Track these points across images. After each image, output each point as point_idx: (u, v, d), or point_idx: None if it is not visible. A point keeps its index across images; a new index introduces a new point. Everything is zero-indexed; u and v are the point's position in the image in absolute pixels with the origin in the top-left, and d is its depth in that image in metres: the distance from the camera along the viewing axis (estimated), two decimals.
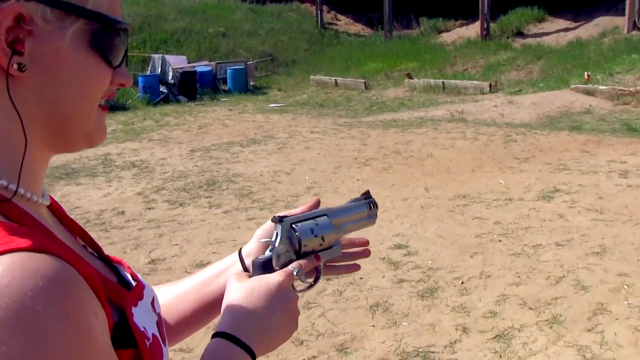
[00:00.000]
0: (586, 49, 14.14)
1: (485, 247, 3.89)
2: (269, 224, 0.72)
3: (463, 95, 12.65)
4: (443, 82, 13.54)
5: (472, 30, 17.96)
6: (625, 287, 3.07)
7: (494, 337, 2.67)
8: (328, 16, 21.69)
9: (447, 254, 3.79)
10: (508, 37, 16.98)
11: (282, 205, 5.08)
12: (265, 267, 0.65)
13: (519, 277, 3.32)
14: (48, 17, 0.45)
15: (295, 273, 0.65)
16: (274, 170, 6.45)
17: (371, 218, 0.81)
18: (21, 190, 0.46)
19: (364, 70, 16.13)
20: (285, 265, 0.66)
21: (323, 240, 0.71)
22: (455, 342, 2.67)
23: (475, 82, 13.41)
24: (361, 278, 3.40)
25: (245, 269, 0.69)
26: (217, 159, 7.14)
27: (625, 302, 2.89)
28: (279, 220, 0.68)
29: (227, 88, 14.65)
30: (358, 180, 5.90)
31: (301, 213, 0.72)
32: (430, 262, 3.66)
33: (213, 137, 8.82)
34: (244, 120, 10.37)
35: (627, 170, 5.56)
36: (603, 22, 15.40)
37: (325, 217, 0.74)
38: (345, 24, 22.02)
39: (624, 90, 10.69)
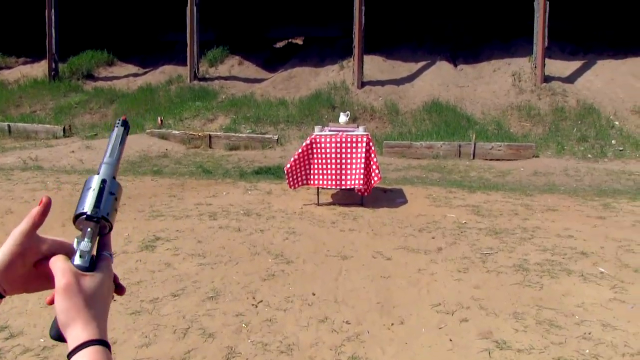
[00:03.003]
0: (156, 94, 15.39)
1: None
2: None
3: (34, 140, 11.84)
4: (9, 125, 12.56)
5: (39, 69, 17.08)
6: (244, 326, 3.44)
7: None
8: None
9: None
10: (79, 79, 16.85)
11: None
12: (89, 269, 0.70)
13: (146, 337, 3.25)
14: None
15: (112, 260, 0.76)
16: None
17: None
18: None
19: None
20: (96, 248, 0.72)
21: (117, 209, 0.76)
22: None
23: (47, 125, 12.72)
24: None
25: None
26: None
27: (249, 341, 3.24)
28: (96, 219, 0.70)
29: None
30: None
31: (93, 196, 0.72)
32: (42, 340, 3.17)
33: None
34: None
35: (215, 212, 6.28)
36: (168, 70, 17.12)
37: (113, 179, 0.76)
38: None
39: (194, 134, 12.11)
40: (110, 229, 0.73)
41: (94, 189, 0.72)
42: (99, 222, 0.70)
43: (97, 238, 0.71)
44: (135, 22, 18.73)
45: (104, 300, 0.71)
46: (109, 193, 0.73)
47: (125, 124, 0.83)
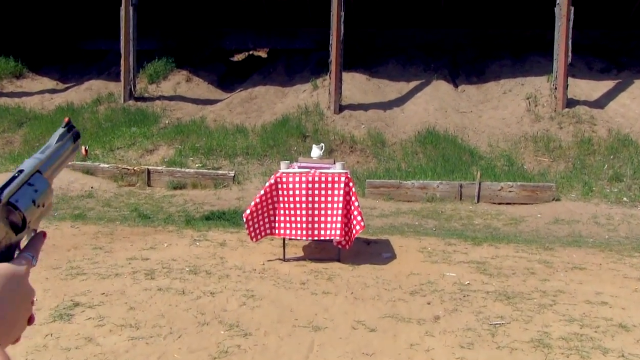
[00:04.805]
0: (80, 116, 15.32)
1: None
2: None
3: None
4: None
5: None
6: None
7: None
8: None
9: None
10: None
11: None
12: None
13: None
14: None
15: (33, 262, 0.81)
16: None
17: (75, 151, 0.99)
18: None
19: None
20: (9, 250, 0.78)
21: (43, 206, 0.84)
22: None
23: None
24: None
25: None
26: None
27: None
28: None
29: None
30: None
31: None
32: None
33: None
34: None
35: (153, 269, 6.21)
36: (96, 86, 17.11)
37: (38, 174, 0.85)
38: None
39: (128, 168, 12.05)
40: (24, 222, 0.79)
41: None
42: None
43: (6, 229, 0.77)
44: (54, 24, 18.72)
45: (4, 302, 0.73)
46: (25, 183, 0.81)
47: (70, 128, 0.97)
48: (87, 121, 15.17)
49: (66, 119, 0.98)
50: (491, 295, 5.62)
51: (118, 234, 7.87)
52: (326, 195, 6.46)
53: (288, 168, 6.76)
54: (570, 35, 13.67)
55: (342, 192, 6.42)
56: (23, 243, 0.85)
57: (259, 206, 6.50)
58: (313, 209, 6.47)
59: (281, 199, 6.54)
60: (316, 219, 6.48)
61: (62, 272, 6.04)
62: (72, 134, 0.97)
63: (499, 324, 4.89)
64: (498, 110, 14.78)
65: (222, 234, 7.95)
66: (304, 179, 6.48)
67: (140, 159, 13.14)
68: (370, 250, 7.23)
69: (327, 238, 6.55)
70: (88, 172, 12.03)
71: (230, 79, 17.80)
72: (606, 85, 15.07)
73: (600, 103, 14.39)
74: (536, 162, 12.81)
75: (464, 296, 5.57)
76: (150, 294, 5.43)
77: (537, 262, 6.90)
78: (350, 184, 6.51)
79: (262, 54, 19.74)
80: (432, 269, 6.46)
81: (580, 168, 12.39)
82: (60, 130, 0.95)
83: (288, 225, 6.55)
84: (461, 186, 11.14)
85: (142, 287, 5.63)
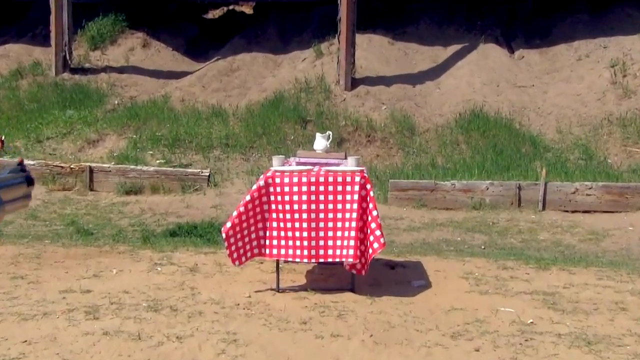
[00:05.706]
0: None
1: None
2: None
3: None
4: None
5: None
6: None
7: None
8: None
9: None
10: None
11: None
12: None
13: None
14: None
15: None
16: None
17: (28, 198, 1.22)
18: None
19: None
20: None
21: None
22: None
23: None
24: None
25: None
26: None
27: None
28: None
29: None
30: None
31: None
32: None
33: None
34: None
35: (97, 305, 6.19)
36: (16, 53, 17.09)
37: None
38: None
39: (63, 167, 12.03)
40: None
41: None
42: None
43: None
44: None
45: None
46: None
47: (23, 169, 1.24)
48: (4, 101, 15.19)
49: (19, 159, 1.26)
50: (564, 339, 5.57)
51: (47, 258, 7.85)
52: (335, 202, 6.41)
53: (283, 165, 6.73)
54: None
55: (356, 197, 6.37)
56: None
57: (243, 217, 6.46)
58: (317, 220, 6.42)
59: (274, 207, 6.50)
60: (321, 234, 6.43)
61: None
62: (26, 176, 1.20)
63: None
64: (571, 84, 14.73)
65: (192, 256, 7.93)
66: (304, 179, 6.43)
67: (80, 153, 13.16)
68: (395, 277, 7.19)
69: (337, 260, 6.50)
70: None
71: (203, 43, 17.81)
72: None
73: None
74: (625, 155, 12.75)
75: (526, 340, 5.52)
76: (93, 340, 5.40)
77: (629, 294, 6.84)
78: (368, 187, 6.46)
79: (247, 9, 19.73)
80: (481, 303, 6.42)
81: None
82: (13, 167, 1.17)
83: (283, 243, 6.51)
84: (519, 188, 11.10)
85: (82, 330, 5.60)
